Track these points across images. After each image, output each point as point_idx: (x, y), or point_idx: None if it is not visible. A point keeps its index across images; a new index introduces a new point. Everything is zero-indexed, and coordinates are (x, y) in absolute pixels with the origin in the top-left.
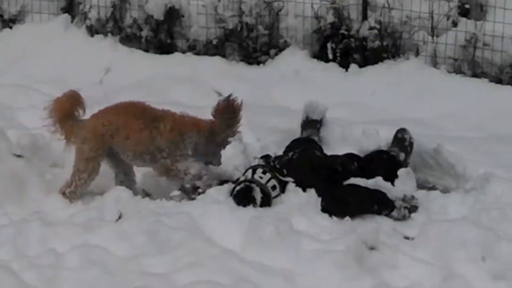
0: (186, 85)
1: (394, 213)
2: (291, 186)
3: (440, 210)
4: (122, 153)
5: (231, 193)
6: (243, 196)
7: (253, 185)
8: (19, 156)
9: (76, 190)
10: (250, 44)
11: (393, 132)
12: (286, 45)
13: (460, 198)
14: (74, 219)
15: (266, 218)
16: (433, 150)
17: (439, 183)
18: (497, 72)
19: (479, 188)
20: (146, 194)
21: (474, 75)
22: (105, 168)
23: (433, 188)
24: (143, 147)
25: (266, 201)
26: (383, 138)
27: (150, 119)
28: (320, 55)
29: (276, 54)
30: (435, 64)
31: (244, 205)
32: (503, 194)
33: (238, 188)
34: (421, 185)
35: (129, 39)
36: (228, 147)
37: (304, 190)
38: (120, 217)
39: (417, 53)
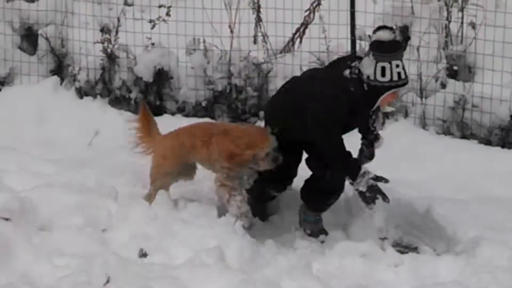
0: None
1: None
2: None
3: (430, 273)
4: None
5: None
6: None
7: None
8: (6, 219)
9: (150, 196)
10: (239, 106)
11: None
12: None
13: (450, 261)
14: (61, 283)
15: (255, 282)
16: (423, 212)
17: (429, 245)
18: (486, 134)
19: (470, 251)
20: (143, 254)
21: (463, 136)
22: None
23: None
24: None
25: None
26: None
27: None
28: None
29: None
30: (424, 126)
31: None
32: (493, 257)
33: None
34: (411, 248)
35: (118, 101)
36: None
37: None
38: (108, 281)
39: (406, 115)
